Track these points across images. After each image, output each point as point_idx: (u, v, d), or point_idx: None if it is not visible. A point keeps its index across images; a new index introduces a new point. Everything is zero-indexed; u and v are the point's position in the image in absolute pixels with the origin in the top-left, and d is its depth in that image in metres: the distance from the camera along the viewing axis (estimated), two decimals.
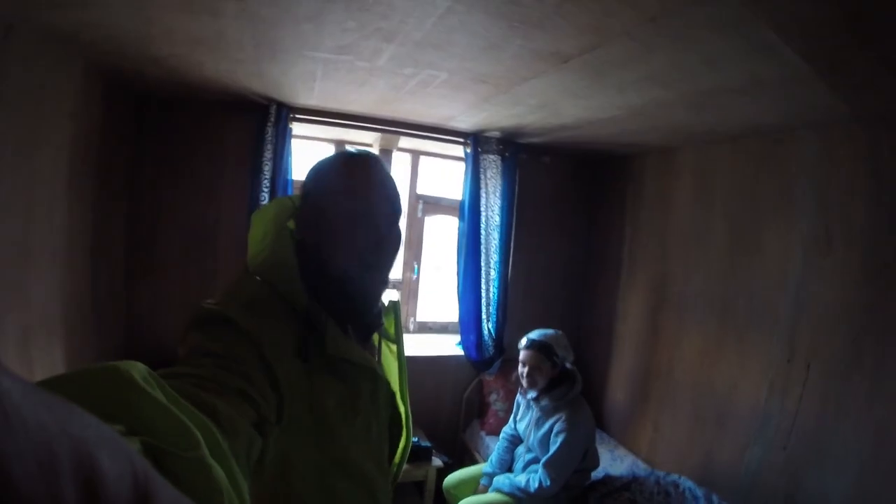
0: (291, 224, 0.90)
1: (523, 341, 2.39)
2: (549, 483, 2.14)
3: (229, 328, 0.70)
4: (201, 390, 0.55)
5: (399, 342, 1.05)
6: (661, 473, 2.33)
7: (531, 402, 2.36)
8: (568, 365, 2.35)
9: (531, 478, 2.20)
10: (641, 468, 2.62)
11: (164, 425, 0.40)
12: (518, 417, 2.51)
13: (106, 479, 0.21)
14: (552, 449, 2.18)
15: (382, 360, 1.06)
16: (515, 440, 2.54)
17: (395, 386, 1.03)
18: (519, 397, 2.49)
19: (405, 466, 2.70)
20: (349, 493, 0.82)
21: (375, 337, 1.03)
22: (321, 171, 0.90)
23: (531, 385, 2.32)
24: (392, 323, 1.04)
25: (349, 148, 0.93)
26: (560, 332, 2.40)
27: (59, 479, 0.19)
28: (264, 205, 0.92)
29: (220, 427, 0.49)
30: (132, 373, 0.41)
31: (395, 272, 3.58)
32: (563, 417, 2.22)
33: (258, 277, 0.83)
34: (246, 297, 0.77)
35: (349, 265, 0.84)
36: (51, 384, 0.37)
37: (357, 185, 0.86)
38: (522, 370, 2.35)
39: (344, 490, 0.81)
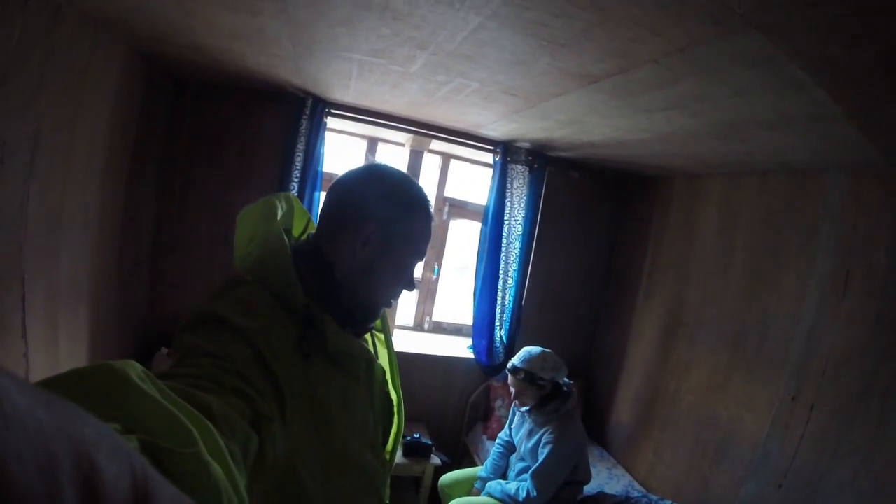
0: (281, 222, 0.89)
1: (509, 364, 2.39)
2: (535, 494, 2.16)
3: (223, 328, 0.70)
4: (196, 389, 0.55)
5: (386, 331, 1.11)
6: (655, 497, 2.32)
7: (525, 414, 2.39)
8: (564, 379, 2.35)
9: (520, 487, 2.23)
10: (637, 490, 2.61)
11: (161, 423, 0.41)
12: (513, 426, 2.54)
13: (105, 478, 0.21)
14: (539, 460, 2.20)
15: (373, 348, 1.08)
16: (510, 447, 2.57)
17: (388, 374, 1.06)
18: (514, 407, 2.51)
19: (405, 461, 2.77)
20: (351, 484, 0.84)
21: None
22: (413, 211, 0.92)
23: (521, 404, 2.35)
24: None
25: (423, 189, 0.96)
26: (548, 351, 2.36)
27: (58, 478, 0.19)
28: (249, 206, 0.89)
29: (215, 424, 0.49)
30: (127, 371, 0.41)
31: (416, 271, 3.63)
32: (551, 430, 2.24)
33: (249, 278, 0.83)
34: (238, 297, 0.77)
35: (383, 298, 0.94)
36: (47, 384, 0.38)
37: (429, 242, 0.97)
38: (511, 390, 2.37)
39: (346, 481, 0.83)
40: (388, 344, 1.11)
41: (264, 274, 0.82)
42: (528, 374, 2.27)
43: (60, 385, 0.39)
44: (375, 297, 0.93)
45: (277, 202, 0.91)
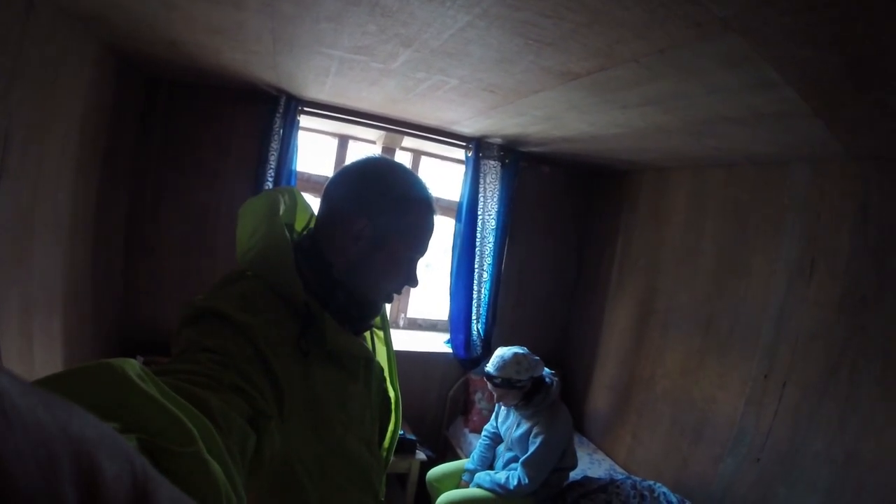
0: (283, 217, 0.89)
1: (485, 370, 2.39)
2: (527, 481, 2.22)
3: (223, 323, 0.69)
4: (194, 386, 0.54)
5: (385, 329, 1.10)
6: (638, 478, 2.41)
7: (511, 408, 2.43)
8: (545, 371, 2.40)
9: (510, 475, 2.28)
10: (619, 473, 2.71)
11: (160, 422, 0.41)
12: (500, 418, 2.58)
13: (105, 478, 0.21)
14: (531, 449, 2.25)
15: (372, 346, 1.08)
16: (496, 438, 2.61)
17: (386, 371, 1.06)
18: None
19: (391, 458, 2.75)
20: (347, 479, 0.84)
21: None
22: (407, 205, 0.90)
23: (505, 404, 2.38)
24: None
25: (424, 184, 0.95)
26: (520, 353, 2.36)
27: (58, 478, 0.19)
28: (251, 199, 0.89)
29: (213, 422, 0.49)
30: (126, 369, 0.41)
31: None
32: (541, 420, 2.30)
33: (249, 273, 0.83)
34: (239, 293, 0.77)
35: (380, 294, 0.93)
36: (46, 383, 0.38)
37: (430, 237, 0.94)
38: (493, 393, 2.40)
39: (343, 478, 0.83)
40: (388, 342, 1.11)
41: (265, 269, 0.81)
42: (504, 381, 2.30)
43: (59, 384, 0.38)
44: (371, 293, 0.92)
45: (280, 196, 0.90)
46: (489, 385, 2.38)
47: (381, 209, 0.88)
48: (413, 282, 0.96)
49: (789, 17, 1.15)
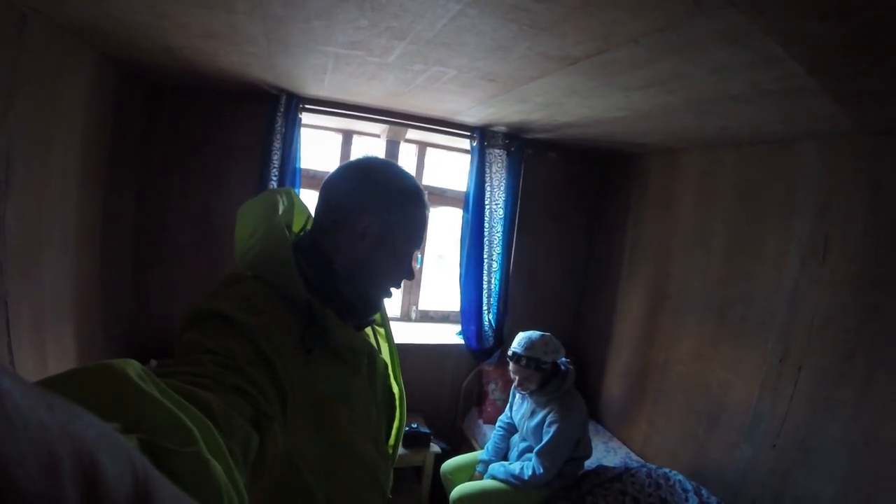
0: (282, 218, 0.89)
1: (510, 352, 2.39)
2: (541, 471, 2.21)
3: (224, 325, 0.69)
4: (196, 387, 0.54)
5: (386, 325, 1.12)
6: (653, 466, 2.39)
7: (526, 395, 2.42)
8: (562, 358, 2.39)
9: (525, 466, 2.27)
10: (634, 461, 2.69)
11: (161, 422, 0.41)
12: (514, 407, 2.57)
13: (107, 478, 0.21)
14: (545, 438, 2.24)
15: (374, 342, 1.09)
16: (511, 429, 2.61)
17: (390, 367, 1.07)
18: (514, 388, 2.53)
19: (405, 452, 2.78)
20: (354, 478, 0.84)
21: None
22: (406, 199, 0.93)
23: (523, 389, 2.37)
24: None
25: (414, 178, 0.98)
26: (547, 335, 2.38)
27: (60, 479, 0.19)
28: (250, 200, 0.90)
29: (215, 423, 0.49)
30: (127, 370, 0.41)
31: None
32: (556, 408, 2.28)
33: (249, 273, 0.83)
34: (240, 293, 0.77)
35: (383, 288, 0.96)
36: (47, 383, 0.38)
37: (426, 230, 0.99)
38: (513, 377, 2.39)
39: (349, 476, 0.83)
40: (389, 338, 1.12)
41: (265, 268, 0.82)
42: (531, 360, 2.29)
43: (60, 384, 0.39)
44: (376, 288, 0.95)
45: (279, 197, 0.91)
46: (512, 367, 2.38)
47: (383, 206, 0.91)
48: (410, 274, 0.98)
49: None
